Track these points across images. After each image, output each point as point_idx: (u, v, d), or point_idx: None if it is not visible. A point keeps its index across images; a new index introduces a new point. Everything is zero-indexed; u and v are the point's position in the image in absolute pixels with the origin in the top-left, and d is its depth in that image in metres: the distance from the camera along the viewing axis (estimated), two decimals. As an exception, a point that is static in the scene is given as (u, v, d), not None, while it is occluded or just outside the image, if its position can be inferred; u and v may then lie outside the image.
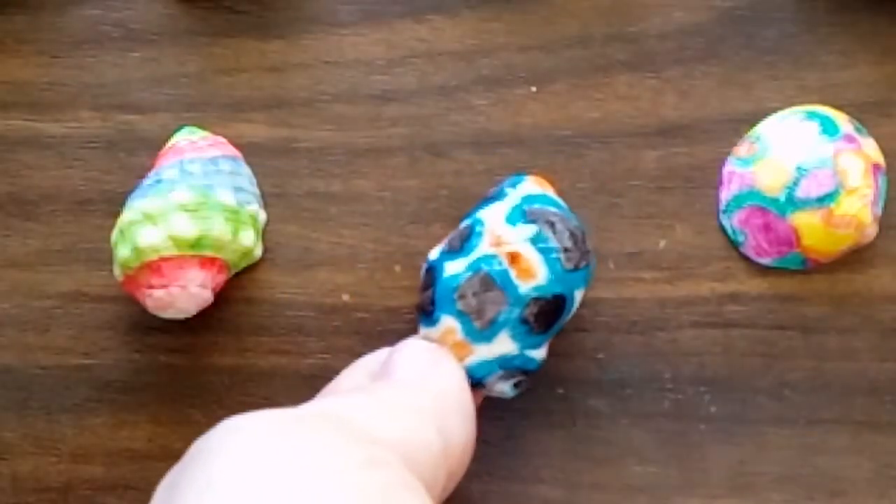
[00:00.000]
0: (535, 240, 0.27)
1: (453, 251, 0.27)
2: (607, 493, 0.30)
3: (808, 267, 0.31)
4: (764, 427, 0.30)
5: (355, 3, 0.33)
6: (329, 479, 0.19)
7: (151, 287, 0.29)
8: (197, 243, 0.29)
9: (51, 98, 0.33)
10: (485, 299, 0.27)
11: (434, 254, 0.28)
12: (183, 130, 0.32)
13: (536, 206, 0.27)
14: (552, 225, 0.27)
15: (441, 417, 0.24)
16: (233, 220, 0.30)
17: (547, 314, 0.27)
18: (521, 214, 0.27)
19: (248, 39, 0.33)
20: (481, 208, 0.28)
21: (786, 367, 0.31)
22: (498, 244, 0.27)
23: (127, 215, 0.29)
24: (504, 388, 0.28)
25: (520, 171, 0.30)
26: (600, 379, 0.31)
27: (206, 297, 0.29)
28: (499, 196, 0.28)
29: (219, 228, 0.29)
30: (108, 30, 0.33)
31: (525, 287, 0.27)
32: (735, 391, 0.31)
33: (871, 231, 0.30)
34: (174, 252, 0.28)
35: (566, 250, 0.27)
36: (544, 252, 0.27)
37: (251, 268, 0.32)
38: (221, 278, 0.30)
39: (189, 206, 0.29)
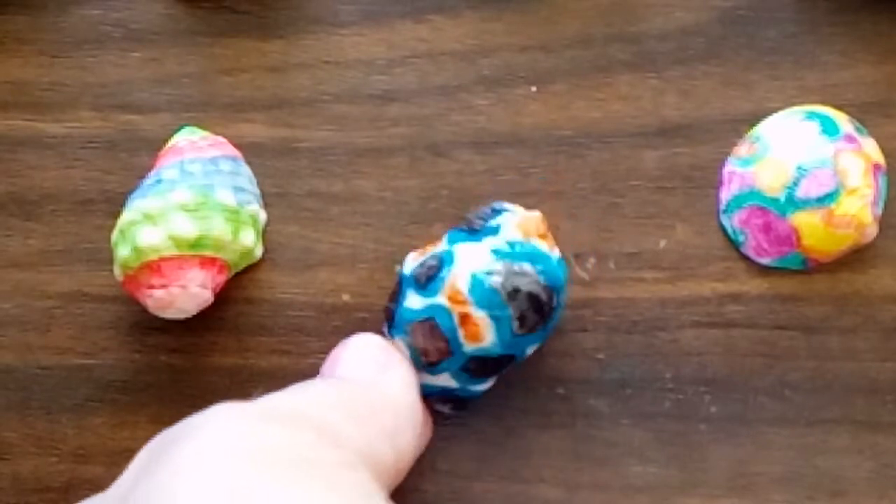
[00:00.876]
0: (490, 305, 0.26)
1: (418, 284, 0.27)
2: (608, 493, 0.30)
3: (809, 267, 0.31)
4: (764, 427, 0.30)
5: (356, 3, 0.33)
6: (316, 474, 0.19)
7: (152, 287, 0.29)
8: (197, 243, 0.29)
9: (52, 98, 0.33)
10: (431, 345, 0.27)
11: (407, 266, 0.28)
12: (183, 130, 0.32)
13: (507, 262, 0.26)
14: (515, 289, 0.26)
15: (395, 433, 0.24)
16: (233, 220, 0.30)
17: (490, 367, 0.27)
18: (488, 273, 0.26)
19: (248, 39, 0.33)
20: (461, 241, 0.27)
21: (786, 368, 0.31)
22: (454, 300, 0.26)
23: (127, 215, 0.29)
24: (443, 409, 0.29)
25: (513, 203, 0.29)
26: (601, 379, 0.31)
27: (207, 297, 0.29)
28: (481, 234, 0.27)
29: (219, 228, 0.29)
30: (108, 30, 0.33)
31: (470, 347, 0.27)
32: (736, 391, 0.31)
33: (872, 231, 0.30)
34: (174, 252, 0.28)
35: (521, 318, 0.26)
36: (496, 319, 0.26)
37: (251, 268, 0.32)
38: (222, 278, 0.30)
39: (189, 206, 0.29)
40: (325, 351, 0.31)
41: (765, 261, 0.31)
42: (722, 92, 0.32)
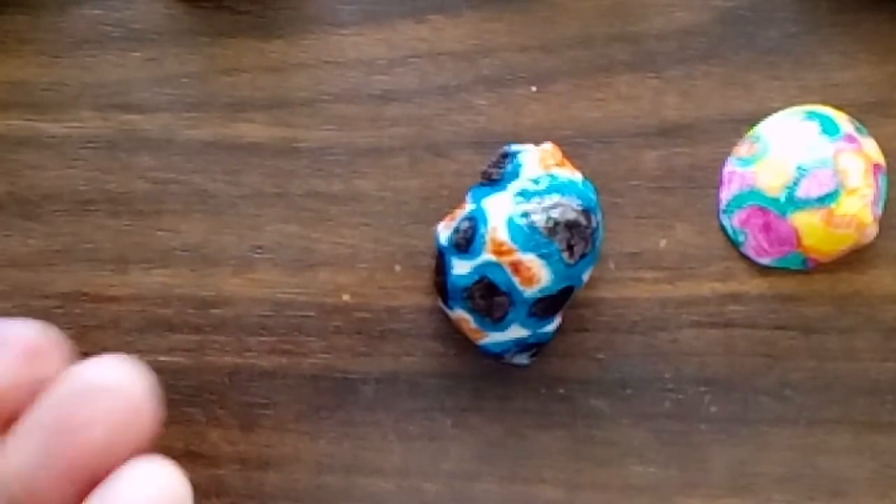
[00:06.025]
0: (536, 246, 0.27)
1: (460, 249, 0.28)
2: (608, 493, 0.30)
3: (809, 267, 0.31)
4: (765, 427, 0.30)
5: (356, 2, 0.33)
6: None
7: None
8: None
9: (51, 98, 0.33)
10: (492, 302, 0.27)
11: (443, 237, 0.28)
12: None
13: (537, 199, 0.27)
14: (554, 222, 0.27)
15: None
16: None
17: (555, 304, 0.28)
18: (523, 215, 0.27)
19: (248, 39, 0.33)
20: (486, 195, 0.28)
21: (787, 368, 0.31)
22: (500, 252, 0.27)
23: None
24: (521, 360, 0.29)
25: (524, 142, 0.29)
26: (601, 379, 0.31)
27: None
28: (502, 181, 0.28)
29: None
30: (108, 30, 0.33)
31: (529, 292, 0.27)
32: (736, 391, 0.31)
33: (872, 231, 0.30)
34: None
35: (569, 247, 0.27)
36: (545, 257, 0.27)
37: (251, 267, 0.32)
38: None
39: None
40: (326, 351, 0.31)
41: (765, 261, 0.31)
42: (722, 92, 0.32)
